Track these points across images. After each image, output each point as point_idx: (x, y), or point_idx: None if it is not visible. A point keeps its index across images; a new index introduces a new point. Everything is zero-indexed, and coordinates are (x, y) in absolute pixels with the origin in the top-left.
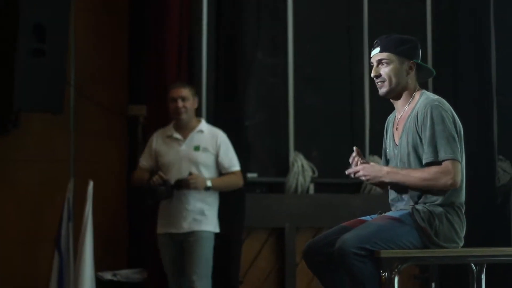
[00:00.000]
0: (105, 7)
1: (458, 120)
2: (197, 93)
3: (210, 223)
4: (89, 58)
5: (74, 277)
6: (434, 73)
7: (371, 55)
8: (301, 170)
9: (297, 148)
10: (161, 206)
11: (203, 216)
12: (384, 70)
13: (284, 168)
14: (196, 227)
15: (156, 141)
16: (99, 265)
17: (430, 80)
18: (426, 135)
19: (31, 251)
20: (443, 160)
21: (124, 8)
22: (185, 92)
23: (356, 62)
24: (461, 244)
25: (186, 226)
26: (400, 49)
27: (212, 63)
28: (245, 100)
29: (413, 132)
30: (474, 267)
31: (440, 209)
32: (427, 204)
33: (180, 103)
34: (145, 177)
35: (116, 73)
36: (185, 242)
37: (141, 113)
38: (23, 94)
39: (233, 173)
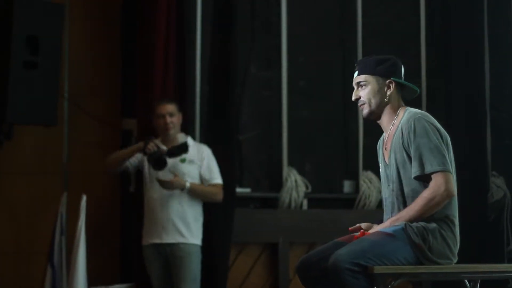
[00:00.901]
0: (98, 19)
1: (444, 130)
2: (191, 107)
3: (196, 236)
4: (83, 70)
5: None
6: (418, 91)
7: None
8: (295, 185)
9: (290, 163)
10: (145, 216)
11: (189, 229)
12: (363, 93)
13: (277, 183)
14: (183, 240)
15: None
16: (92, 280)
17: (423, 95)
18: (412, 149)
19: (23, 265)
20: (431, 173)
21: (117, 20)
22: (172, 108)
23: (350, 76)
24: (455, 260)
25: (171, 237)
26: (377, 69)
27: (206, 77)
28: (239, 114)
29: (400, 149)
30: (468, 284)
31: (433, 224)
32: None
33: (168, 119)
34: (140, 146)
35: (110, 86)
36: (172, 257)
37: (134, 127)
38: (17, 107)
39: (214, 185)
